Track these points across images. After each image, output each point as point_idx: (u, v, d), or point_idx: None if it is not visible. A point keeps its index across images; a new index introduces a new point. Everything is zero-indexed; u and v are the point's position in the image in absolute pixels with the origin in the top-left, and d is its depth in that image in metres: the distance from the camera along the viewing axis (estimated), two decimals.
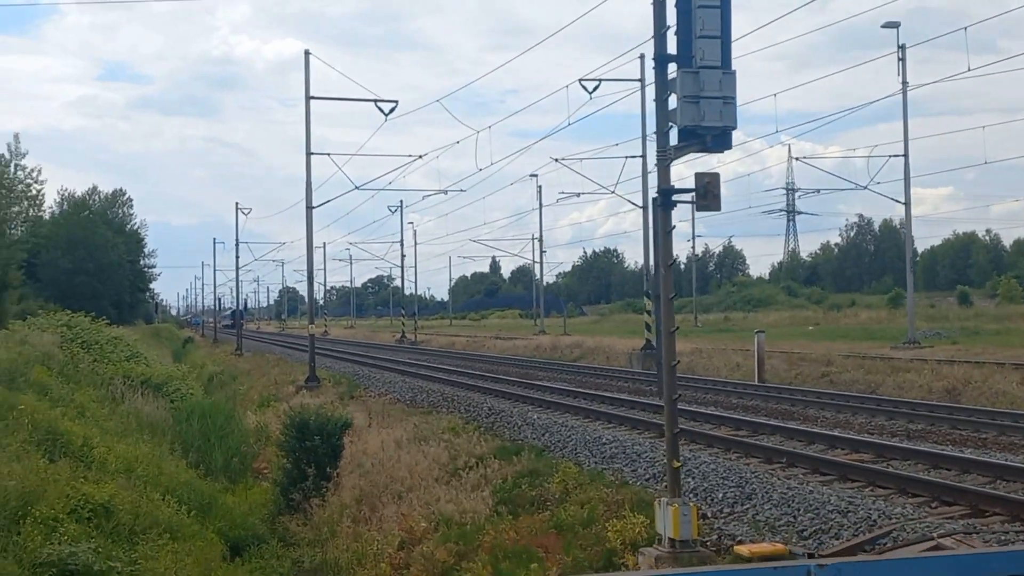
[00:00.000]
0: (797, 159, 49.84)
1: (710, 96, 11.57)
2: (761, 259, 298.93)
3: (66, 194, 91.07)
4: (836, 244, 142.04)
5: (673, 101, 11.72)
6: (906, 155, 40.13)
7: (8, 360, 22.15)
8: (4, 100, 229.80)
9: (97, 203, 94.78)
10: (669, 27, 11.57)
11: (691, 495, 12.84)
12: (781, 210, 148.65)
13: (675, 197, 11.70)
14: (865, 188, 42.30)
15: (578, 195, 45.28)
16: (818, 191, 59.02)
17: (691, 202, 11.83)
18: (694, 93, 11.55)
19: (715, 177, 11.87)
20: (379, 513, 16.46)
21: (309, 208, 36.59)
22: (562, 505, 14.04)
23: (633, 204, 42.47)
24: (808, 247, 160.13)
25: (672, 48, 11.59)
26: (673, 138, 11.78)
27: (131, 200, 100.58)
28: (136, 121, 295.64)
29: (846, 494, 12.10)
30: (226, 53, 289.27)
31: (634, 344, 44.92)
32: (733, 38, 11.63)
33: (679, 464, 11.50)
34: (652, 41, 11.80)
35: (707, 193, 11.82)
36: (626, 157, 40.97)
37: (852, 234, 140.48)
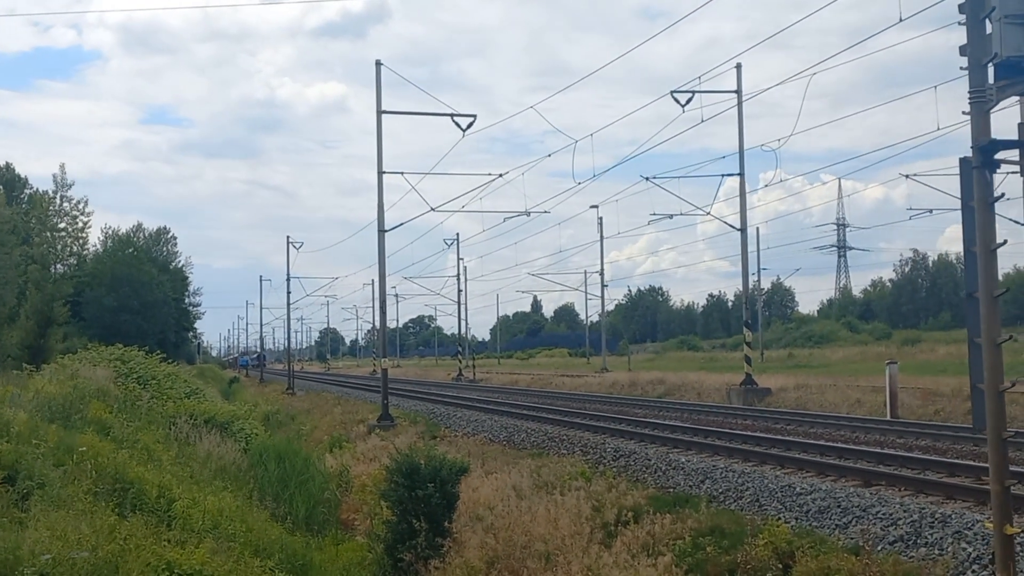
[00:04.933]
0: (912, 178, 44.01)
1: None
2: (805, 296, 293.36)
3: (110, 232, 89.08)
4: (890, 280, 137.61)
5: (990, 24, 8.56)
6: None
7: (62, 395, 19.16)
8: (50, 144, 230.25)
9: (142, 240, 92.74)
10: None
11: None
12: (832, 245, 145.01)
13: (1000, 155, 8.46)
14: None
15: (671, 216, 42.18)
16: (930, 211, 54.48)
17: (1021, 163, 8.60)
18: (1023, 11, 8.39)
19: None
20: None
21: (381, 231, 33.66)
22: None
23: (731, 227, 39.23)
24: (855, 283, 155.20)
25: None
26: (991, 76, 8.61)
27: (175, 238, 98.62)
28: (179, 164, 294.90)
29: None
30: (268, 96, 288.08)
31: (723, 380, 41.68)
32: None
33: (1015, 531, 8.20)
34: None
35: None
36: (723, 175, 37.81)
37: (907, 269, 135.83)
